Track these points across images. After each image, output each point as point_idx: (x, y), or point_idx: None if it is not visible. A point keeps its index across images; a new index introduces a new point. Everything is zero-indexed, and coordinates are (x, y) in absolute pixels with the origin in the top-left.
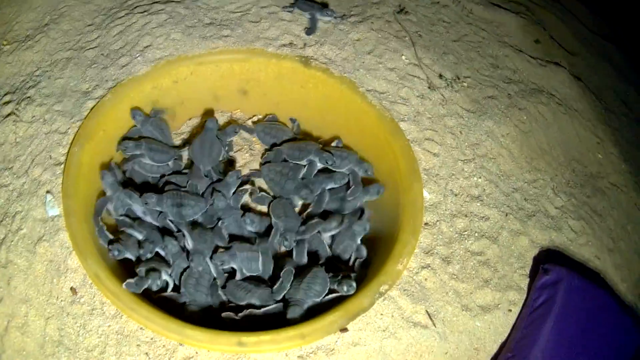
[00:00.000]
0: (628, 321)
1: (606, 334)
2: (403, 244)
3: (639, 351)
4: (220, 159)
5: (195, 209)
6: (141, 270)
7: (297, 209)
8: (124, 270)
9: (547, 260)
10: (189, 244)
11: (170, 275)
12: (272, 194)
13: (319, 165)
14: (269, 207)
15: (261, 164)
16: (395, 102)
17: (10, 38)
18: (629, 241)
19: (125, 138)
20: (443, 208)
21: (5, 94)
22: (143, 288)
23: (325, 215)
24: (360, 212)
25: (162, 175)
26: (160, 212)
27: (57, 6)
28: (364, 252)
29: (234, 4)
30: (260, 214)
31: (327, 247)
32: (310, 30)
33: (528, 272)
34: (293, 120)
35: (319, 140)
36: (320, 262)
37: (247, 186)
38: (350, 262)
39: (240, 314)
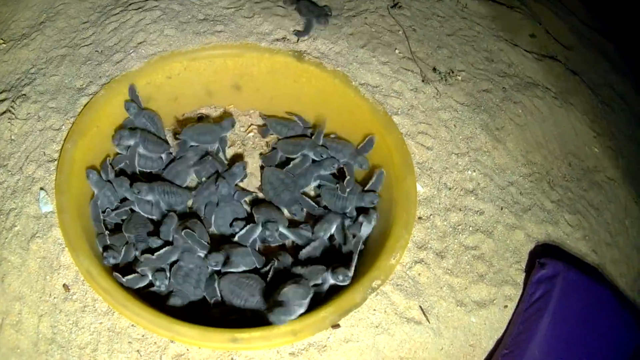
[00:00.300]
0: (627, 316)
1: (604, 329)
2: (396, 239)
3: (638, 345)
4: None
5: (182, 197)
6: (144, 270)
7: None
8: (116, 267)
9: (544, 254)
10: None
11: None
12: (265, 196)
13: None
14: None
15: (261, 166)
16: (388, 95)
17: (7, 37)
18: (627, 236)
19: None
20: (437, 202)
21: (0, 92)
22: (144, 284)
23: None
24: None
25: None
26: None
27: (54, 4)
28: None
29: (227, 0)
30: None
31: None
32: (300, 33)
33: (524, 267)
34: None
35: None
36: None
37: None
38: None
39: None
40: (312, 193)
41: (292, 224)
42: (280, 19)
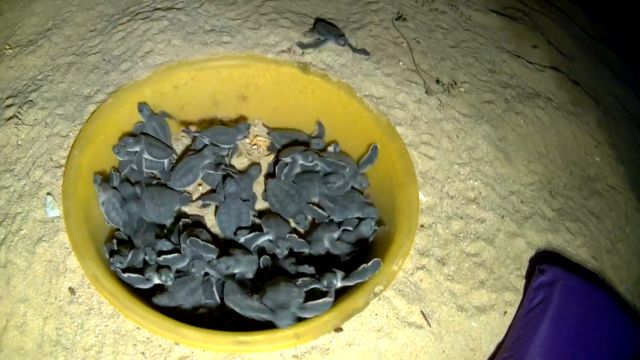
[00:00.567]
0: (626, 320)
1: (604, 334)
2: (398, 245)
3: (637, 349)
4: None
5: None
6: (151, 275)
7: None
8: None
9: (544, 261)
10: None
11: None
12: (270, 207)
13: (301, 164)
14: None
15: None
16: (392, 106)
17: (13, 42)
18: (628, 242)
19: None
20: (439, 210)
21: (7, 97)
22: (144, 286)
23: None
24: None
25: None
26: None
27: (60, 12)
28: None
29: (234, 11)
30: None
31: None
32: (309, 45)
33: (524, 274)
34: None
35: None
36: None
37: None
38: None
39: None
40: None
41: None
42: (286, 30)
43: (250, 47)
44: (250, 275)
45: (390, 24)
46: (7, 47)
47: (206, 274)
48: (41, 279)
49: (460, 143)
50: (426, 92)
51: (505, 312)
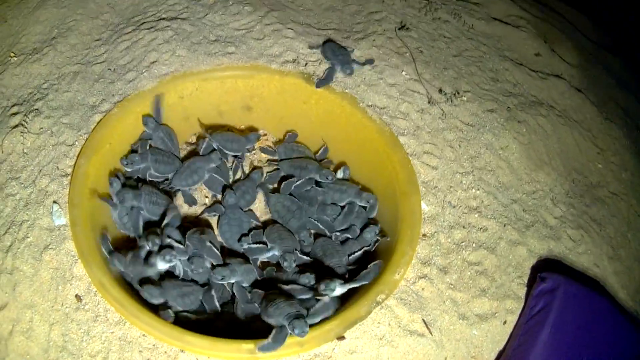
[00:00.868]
0: (629, 327)
1: (606, 341)
2: (400, 255)
3: (639, 356)
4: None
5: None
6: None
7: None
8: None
9: (545, 269)
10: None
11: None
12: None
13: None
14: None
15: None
16: (395, 116)
17: (17, 50)
18: (630, 248)
19: (132, 151)
20: (441, 220)
21: (13, 105)
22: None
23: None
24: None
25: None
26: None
27: (65, 20)
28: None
29: (238, 22)
30: None
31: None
32: (322, 81)
33: (526, 281)
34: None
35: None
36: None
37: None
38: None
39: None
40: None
41: None
42: (290, 41)
43: (255, 58)
44: (245, 284)
45: (394, 33)
46: (12, 54)
47: (207, 284)
48: (47, 286)
49: (463, 152)
50: (429, 102)
51: (506, 321)
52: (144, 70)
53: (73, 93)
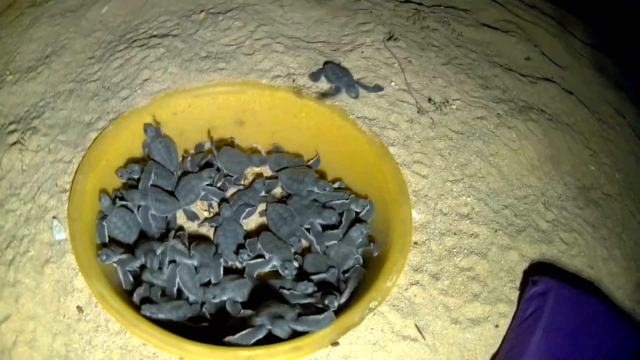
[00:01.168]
0: (624, 328)
1: (599, 341)
2: (392, 263)
3: (635, 355)
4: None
5: (170, 207)
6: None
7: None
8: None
9: (538, 272)
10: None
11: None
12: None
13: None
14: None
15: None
16: (385, 127)
17: (13, 68)
18: (624, 249)
19: (131, 186)
20: (432, 227)
21: (10, 123)
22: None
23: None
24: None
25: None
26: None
27: (58, 38)
28: (360, 260)
29: (228, 37)
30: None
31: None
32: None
33: (518, 285)
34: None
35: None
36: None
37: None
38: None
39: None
40: None
41: None
42: (279, 55)
43: (246, 73)
44: (239, 299)
45: (382, 44)
46: (8, 72)
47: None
48: (49, 298)
49: (453, 160)
50: (418, 112)
51: (499, 324)
52: (137, 88)
53: (69, 111)
